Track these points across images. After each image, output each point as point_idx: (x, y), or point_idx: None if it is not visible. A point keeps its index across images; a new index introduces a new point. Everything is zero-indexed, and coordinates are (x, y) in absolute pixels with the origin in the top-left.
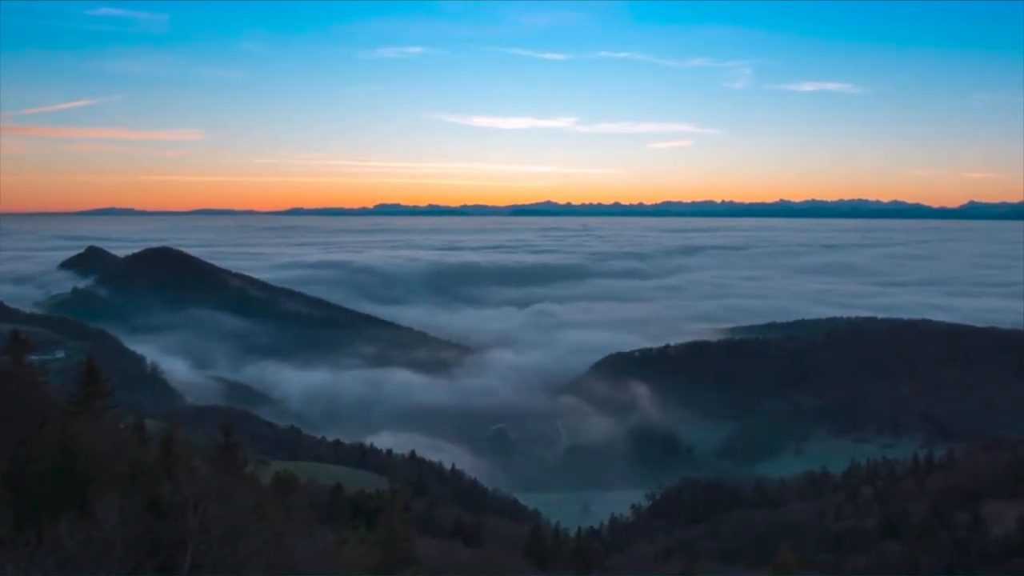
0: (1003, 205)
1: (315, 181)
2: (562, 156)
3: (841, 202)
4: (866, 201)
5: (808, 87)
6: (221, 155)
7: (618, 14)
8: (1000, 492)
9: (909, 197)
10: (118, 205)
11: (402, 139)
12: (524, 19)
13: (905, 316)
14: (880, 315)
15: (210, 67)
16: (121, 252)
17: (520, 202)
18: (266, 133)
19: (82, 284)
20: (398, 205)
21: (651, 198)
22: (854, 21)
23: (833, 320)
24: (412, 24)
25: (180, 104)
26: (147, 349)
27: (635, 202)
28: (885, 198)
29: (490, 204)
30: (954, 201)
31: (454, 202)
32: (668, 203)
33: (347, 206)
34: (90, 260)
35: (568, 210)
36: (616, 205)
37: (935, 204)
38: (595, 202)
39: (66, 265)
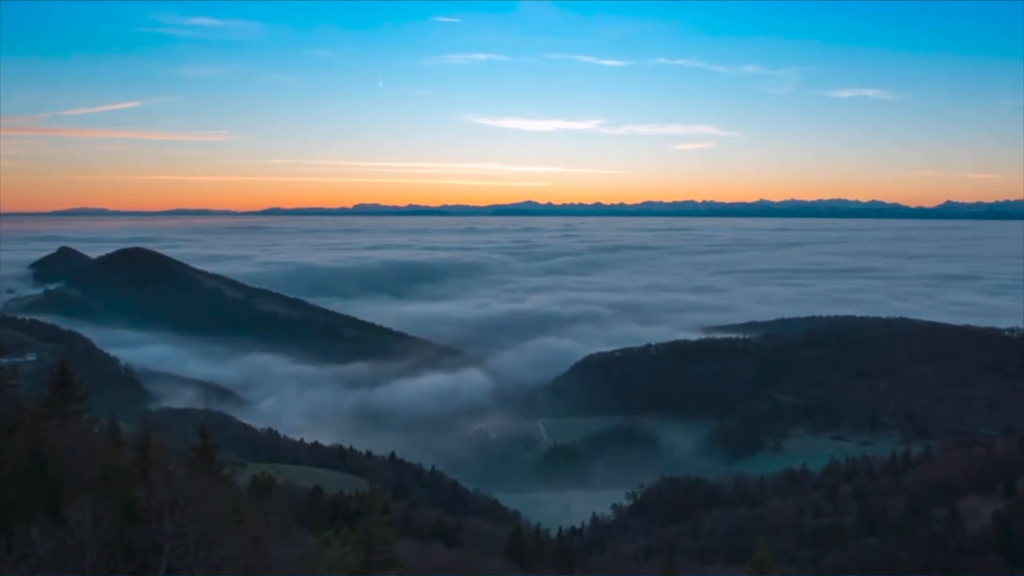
0: (979, 205)
1: (322, 182)
2: (574, 157)
3: (820, 202)
4: (845, 201)
5: (846, 93)
6: (236, 156)
7: (683, 24)
8: (976, 488)
9: (888, 197)
10: (90, 206)
11: (422, 141)
12: (595, 28)
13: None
14: (858, 314)
15: (274, 72)
16: (93, 253)
17: (502, 202)
18: (292, 136)
19: (54, 286)
20: (377, 205)
21: (633, 198)
22: (896, 29)
23: (812, 319)
24: (484, 31)
25: (220, 107)
26: (121, 351)
27: (616, 202)
28: (864, 198)
29: (472, 204)
30: (932, 201)
31: (435, 202)
32: (648, 203)
33: (325, 206)
34: (62, 261)
35: (548, 210)
36: (597, 205)
37: (913, 204)
38: (576, 202)
39: (37, 266)
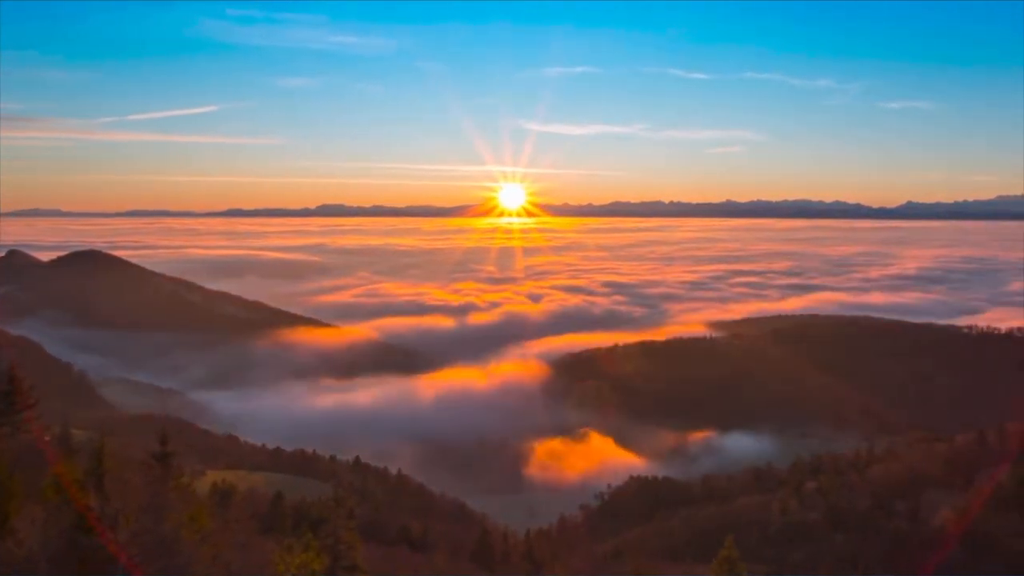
0: (938, 205)
1: (324, 183)
2: (593, 160)
3: (785, 202)
4: (809, 201)
5: (895, 105)
6: (263, 158)
7: (779, 44)
8: (938, 483)
9: (850, 197)
10: (42, 207)
11: (456, 144)
12: (695, 45)
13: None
14: (823, 312)
15: (366, 83)
16: (45, 255)
17: (468, 203)
18: (331, 141)
19: (3, 289)
20: (342, 206)
21: (600, 199)
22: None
23: (778, 318)
24: (586, 45)
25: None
26: (75, 356)
27: (584, 203)
28: (828, 198)
29: (437, 205)
30: (893, 201)
31: (400, 203)
32: (617, 203)
33: (287, 207)
34: (11, 264)
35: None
36: (565, 206)
37: (875, 204)
38: (545, 203)
39: None
